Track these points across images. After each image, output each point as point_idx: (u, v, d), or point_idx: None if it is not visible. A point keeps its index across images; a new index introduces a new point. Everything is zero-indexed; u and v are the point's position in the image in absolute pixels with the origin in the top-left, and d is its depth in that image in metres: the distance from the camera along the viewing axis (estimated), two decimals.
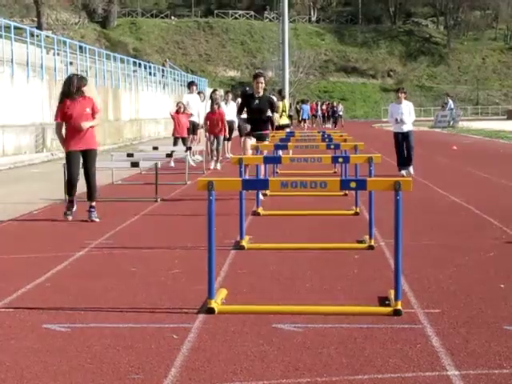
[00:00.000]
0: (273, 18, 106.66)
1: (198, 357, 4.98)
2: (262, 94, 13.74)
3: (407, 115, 17.66)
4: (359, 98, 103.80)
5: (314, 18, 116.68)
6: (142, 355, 5.03)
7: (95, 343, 5.29)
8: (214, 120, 20.84)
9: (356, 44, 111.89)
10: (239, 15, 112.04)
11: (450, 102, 58.04)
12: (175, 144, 21.22)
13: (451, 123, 54.55)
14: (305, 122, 54.65)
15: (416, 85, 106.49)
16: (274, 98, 25.09)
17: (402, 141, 17.82)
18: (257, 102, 13.63)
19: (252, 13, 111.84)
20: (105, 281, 7.23)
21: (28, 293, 6.80)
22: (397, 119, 17.64)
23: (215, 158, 20.85)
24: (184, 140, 21.07)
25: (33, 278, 7.32)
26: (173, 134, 21.88)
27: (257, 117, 13.66)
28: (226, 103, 24.12)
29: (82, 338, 5.40)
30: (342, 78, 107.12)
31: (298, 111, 64.90)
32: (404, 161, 17.92)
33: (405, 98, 17.84)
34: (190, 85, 24.34)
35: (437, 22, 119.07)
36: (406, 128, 17.76)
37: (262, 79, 13.70)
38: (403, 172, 17.65)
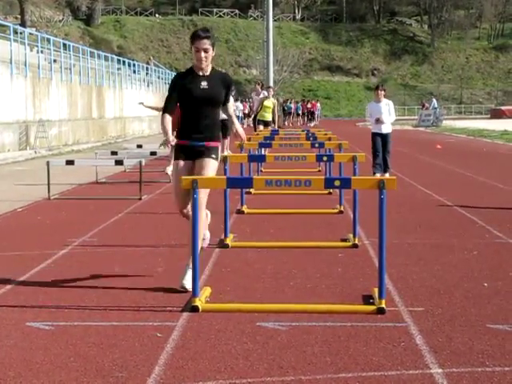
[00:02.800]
0: (257, 16, 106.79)
1: (182, 355, 4.98)
2: (209, 71, 7.10)
3: (387, 115, 16.47)
4: (343, 96, 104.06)
5: (298, 17, 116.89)
6: (125, 353, 5.02)
7: (79, 341, 5.27)
8: None
9: (340, 43, 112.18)
10: (224, 13, 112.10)
11: (434, 101, 58.24)
12: None
13: (435, 122, 54.72)
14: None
15: (400, 83, 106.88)
16: (265, 93, 24.93)
17: (380, 142, 16.66)
18: (203, 84, 7.00)
19: (236, 11, 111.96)
20: (88, 279, 7.21)
21: (11, 291, 6.77)
22: (378, 119, 16.47)
23: None
24: None
25: (16, 276, 7.29)
26: None
27: (201, 113, 7.00)
28: None
29: (65, 336, 5.38)
30: (326, 77, 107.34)
31: (284, 109, 65.12)
32: (380, 164, 16.74)
33: (384, 96, 16.63)
34: None
35: (421, 21, 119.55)
36: (384, 129, 16.60)
37: (206, 43, 6.96)
38: (377, 174, 16.16)
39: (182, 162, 7.04)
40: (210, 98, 6.99)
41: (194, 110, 6.98)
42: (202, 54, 6.94)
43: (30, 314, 5.98)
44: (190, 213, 6.43)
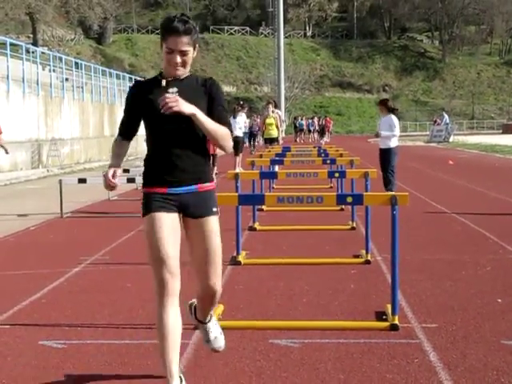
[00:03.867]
0: (268, 33, 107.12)
1: (195, 373, 4.96)
2: (183, 75, 4.54)
3: (385, 129, 15.90)
4: (354, 112, 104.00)
5: (309, 34, 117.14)
6: (138, 371, 5.01)
7: (92, 360, 5.27)
8: None
9: (351, 59, 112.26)
10: (235, 31, 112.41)
11: (446, 116, 58.18)
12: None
13: (446, 138, 54.68)
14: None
15: (411, 99, 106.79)
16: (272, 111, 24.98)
17: (381, 158, 16.23)
18: (172, 91, 4.47)
19: (247, 28, 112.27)
20: (101, 297, 7.21)
21: (24, 309, 6.77)
22: (376, 133, 16.24)
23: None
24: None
25: (29, 295, 7.30)
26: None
27: (177, 139, 4.48)
28: (233, 116, 23.44)
29: (78, 355, 5.38)
30: (337, 93, 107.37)
31: (295, 126, 65.15)
32: (384, 180, 16.09)
33: (388, 110, 15.98)
34: None
35: (432, 36, 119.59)
36: (383, 144, 16.14)
37: (184, 42, 4.43)
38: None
39: (160, 214, 4.49)
40: (184, 118, 4.37)
41: (166, 135, 4.49)
42: (178, 59, 4.46)
43: (42, 332, 5.98)
44: (173, 287, 4.49)
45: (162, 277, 4.46)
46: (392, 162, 16.14)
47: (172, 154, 4.46)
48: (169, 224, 4.47)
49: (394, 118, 16.25)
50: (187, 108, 4.30)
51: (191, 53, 4.49)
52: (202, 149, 4.54)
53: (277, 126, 23.60)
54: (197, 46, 4.54)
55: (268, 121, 23.50)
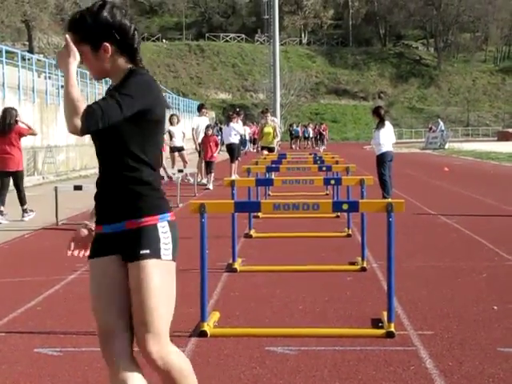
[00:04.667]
0: (264, 40, 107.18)
1: None
2: (120, 79, 3.47)
3: (376, 138, 16.26)
4: (350, 119, 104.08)
5: (304, 41, 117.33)
6: None
7: (87, 367, 5.25)
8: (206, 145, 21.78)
9: (347, 66, 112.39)
10: (230, 38, 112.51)
11: (441, 123, 58.27)
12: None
13: (442, 145, 54.74)
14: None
15: (407, 106, 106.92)
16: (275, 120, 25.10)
17: None
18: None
19: (243, 36, 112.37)
20: None
21: (19, 317, 6.76)
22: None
23: (207, 178, 21.54)
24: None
25: (24, 302, 7.28)
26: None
27: (103, 160, 3.54)
28: (227, 124, 24.22)
29: (73, 363, 5.36)
30: (333, 100, 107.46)
31: (291, 133, 65.17)
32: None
33: (379, 119, 16.22)
34: (201, 107, 24.49)
35: (427, 44, 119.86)
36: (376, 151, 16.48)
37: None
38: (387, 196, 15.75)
39: (97, 265, 3.58)
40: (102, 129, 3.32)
41: (98, 158, 3.55)
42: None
43: (38, 340, 5.97)
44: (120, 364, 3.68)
45: (108, 357, 3.67)
46: (377, 170, 16.16)
47: (102, 182, 3.54)
48: (108, 279, 3.53)
49: (385, 126, 16.23)
50: (61, 63, 3.36)
51: (88, 53, 3.45)
52: (137, 173, 3.45)
53: (274, 135, 23.61)
54: (101, 44, 3.44)
55: (266, 129, 23.49)
